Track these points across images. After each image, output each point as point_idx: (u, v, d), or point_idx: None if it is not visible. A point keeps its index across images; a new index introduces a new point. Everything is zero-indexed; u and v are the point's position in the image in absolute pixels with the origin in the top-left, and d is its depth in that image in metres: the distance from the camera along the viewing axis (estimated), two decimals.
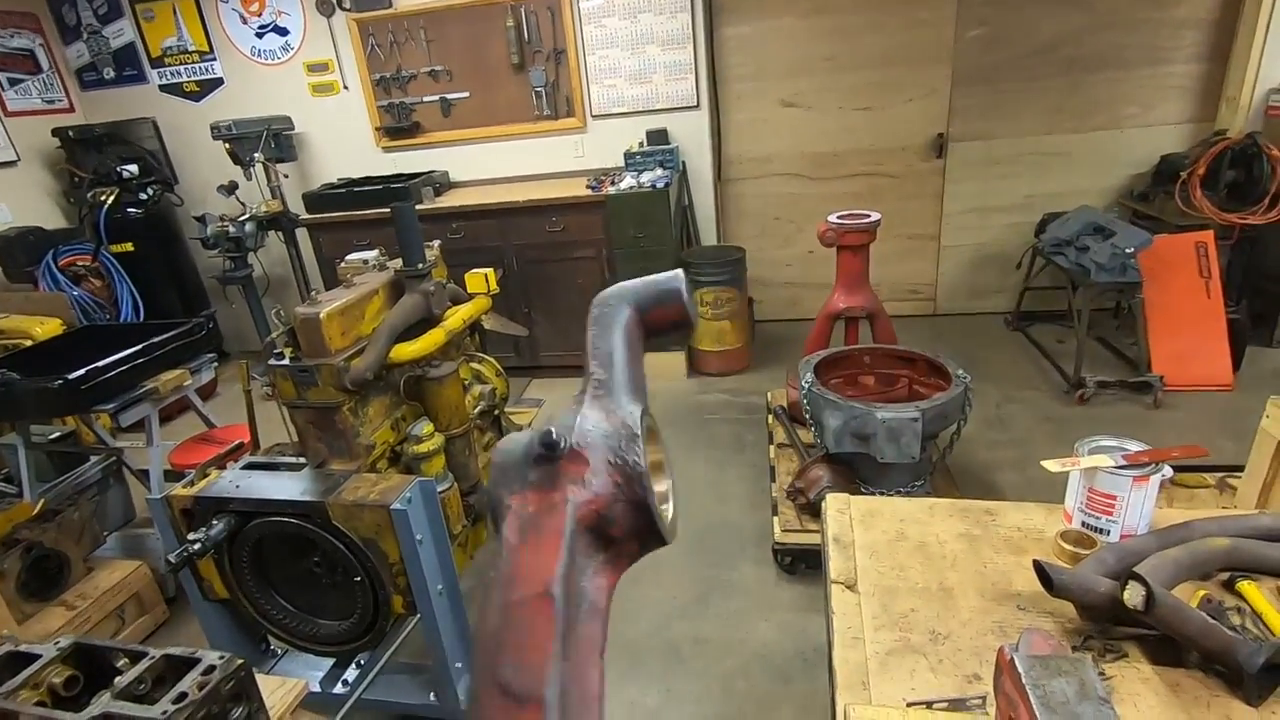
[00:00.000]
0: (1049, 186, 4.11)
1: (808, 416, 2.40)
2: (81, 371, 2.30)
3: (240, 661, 1.09)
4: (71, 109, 4.66)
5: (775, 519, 2.49)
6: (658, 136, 4.12)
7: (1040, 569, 0.94)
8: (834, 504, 1.25)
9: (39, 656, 1.12)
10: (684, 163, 4.23)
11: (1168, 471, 1.09)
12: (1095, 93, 3.92)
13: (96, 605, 2.34)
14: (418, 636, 2.09)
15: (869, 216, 2.75)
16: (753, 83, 4.24)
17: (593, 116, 4.24)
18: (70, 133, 4.34)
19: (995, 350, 4.02)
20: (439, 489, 1.89)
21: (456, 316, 2.14)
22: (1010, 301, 4.26)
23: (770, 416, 3.19)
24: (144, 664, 1.10)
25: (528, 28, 4.08)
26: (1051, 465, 1.13)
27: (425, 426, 1.98)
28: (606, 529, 0.27)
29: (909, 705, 0.84)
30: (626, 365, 0.30)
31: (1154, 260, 3.19)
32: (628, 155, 4.07)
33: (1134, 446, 1.13)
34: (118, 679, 1.07)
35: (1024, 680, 0.61)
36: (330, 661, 2.07)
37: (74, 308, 3.89)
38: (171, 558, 1.71)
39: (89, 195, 4.24)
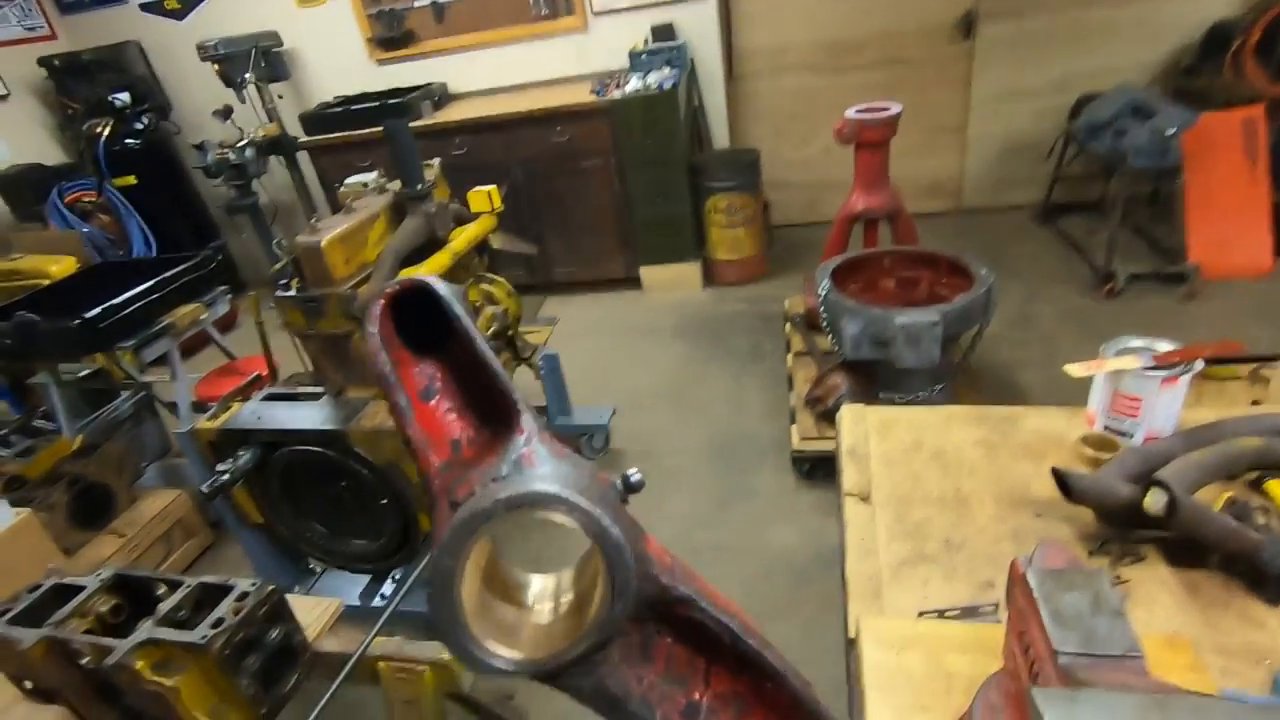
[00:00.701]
0: (1086, 65, 3.81)
1: (825, 324, 2.35)
2: (98, 310, 2.32)
3: (272, 588, 1.14)
4: (53, 35, 4.48)
5: (793, 427, 2.50)
6: (664, 32, 3.87)
7: (1059, 476, 0.92)
8: (849, 415, 1.23)
9: (84, 588, 1.18)
10: (692, 60, 3.98)
11: (1198, 365, 1.04)
12: None
13: (144, 532, 2.46)
14: None
15: (889, 109, 2.59)
16: None
17: (594, 14, 3.98)
18: (56, 61, 4.19)
19: (1022, 245, 3.88)
20: None
21: (462, 238, 2.09)
22: (1040, 193, 4.06)
23: (788, 325, 3.15)
24: (181, 592, 1.15)
25: None
26: (1074, 369, 1.08)
27: None
28: None
29: (920, 614, 0.85)
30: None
31: (1197, 142, 2.98)
32: (633, 55, 3.83)
33: (1163, 346, 1.08)
34: (159, 606, 1.12)
35: (1036, 594, 0.60)
36: (368, 578, 2.17)
37: (87, 245, 3.90)
38: (204, 488, 1.77)
39: (84, 127, 4.15)
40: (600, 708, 0.24)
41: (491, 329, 2.35)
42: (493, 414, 0.30)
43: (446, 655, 1.28)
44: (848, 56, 4.07)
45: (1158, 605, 0.83)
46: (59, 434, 2.74)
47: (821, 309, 2.32)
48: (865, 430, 1.19)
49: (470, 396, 0.30)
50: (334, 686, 1.22)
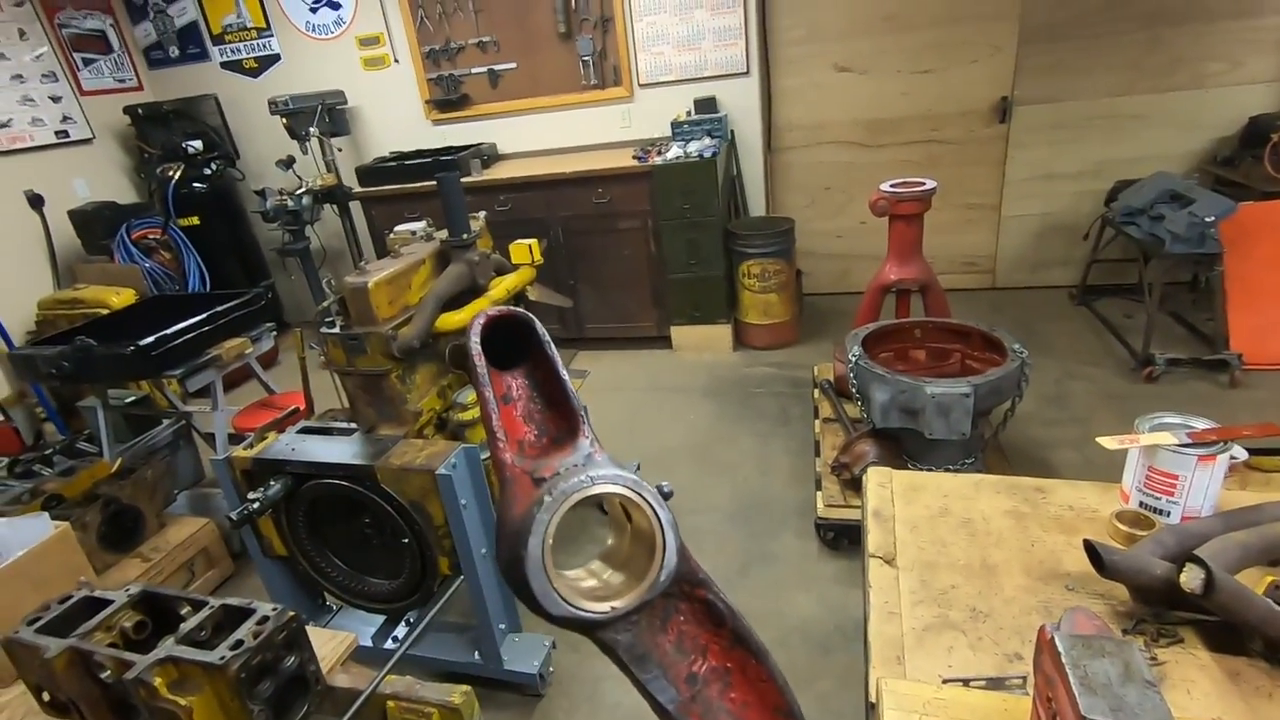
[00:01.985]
0: (1122, 152, 3.87)
1: (854, 390, 2.35)
2: (151, 339, 2.42)
3: (291, 614, 1.14)
4: (140, 87, 4.85)
5: (819, 494, 2.46)
6: (706, 105, 4.04)
7: (1091, 548, 0.90)
8: (875, 477, 1.22)
9: (111, 602, 1.20)
10: (732, 131, 4.14)
11: (1240, 453, 1.02)
12: (1176, 48, 3.65)
13: (169, 558, 2.49)
14: (463, 598, 2.16)
15: (924, 184, 2.64)
16: (805, 46, 4.10)
17: (640, 85, 4.18)
18: (140, 110, 4.52)
19: (1057, 325, 3.85)
20: (483, 455, 1.92)
21: (500, 286, 2.16)
22: (1075, 275, 4.06)
23: (816, 390, 3.14)
24: (204, 612, 1.16)
25: None
26: (1108, 442, 1.07)
27: (469, 395, 2.01)
28: None
29: (944, 682, 0.82)
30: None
31: (1236, 230, 2.98)
32: (675, 124, 4.00)
33: (1200, 424, 1.06)
34: (181, 625, 1.14)
35: (1064, 659, 0.59)
36: (382, 619, 2.16)
37: (146, 279, 4.09)
38: (233, 515, 1.80)
39: (158, 171, 4.43)
40: (629, 662, 0.27)
41: None
42: (549, 425, 0.35)
43: (457, 698, 1.26)
44: (885, 134, 4.18)
45: (1196, 689, 0.80)
46: (100, 456, 2.83)
47: (851, 376, 2.32)
48: (891, 493, 1.18)
49: (535, 408, 0.36)
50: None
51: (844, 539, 2.40)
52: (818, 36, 4.06)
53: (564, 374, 0.35)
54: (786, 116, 4.29)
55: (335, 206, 4.46)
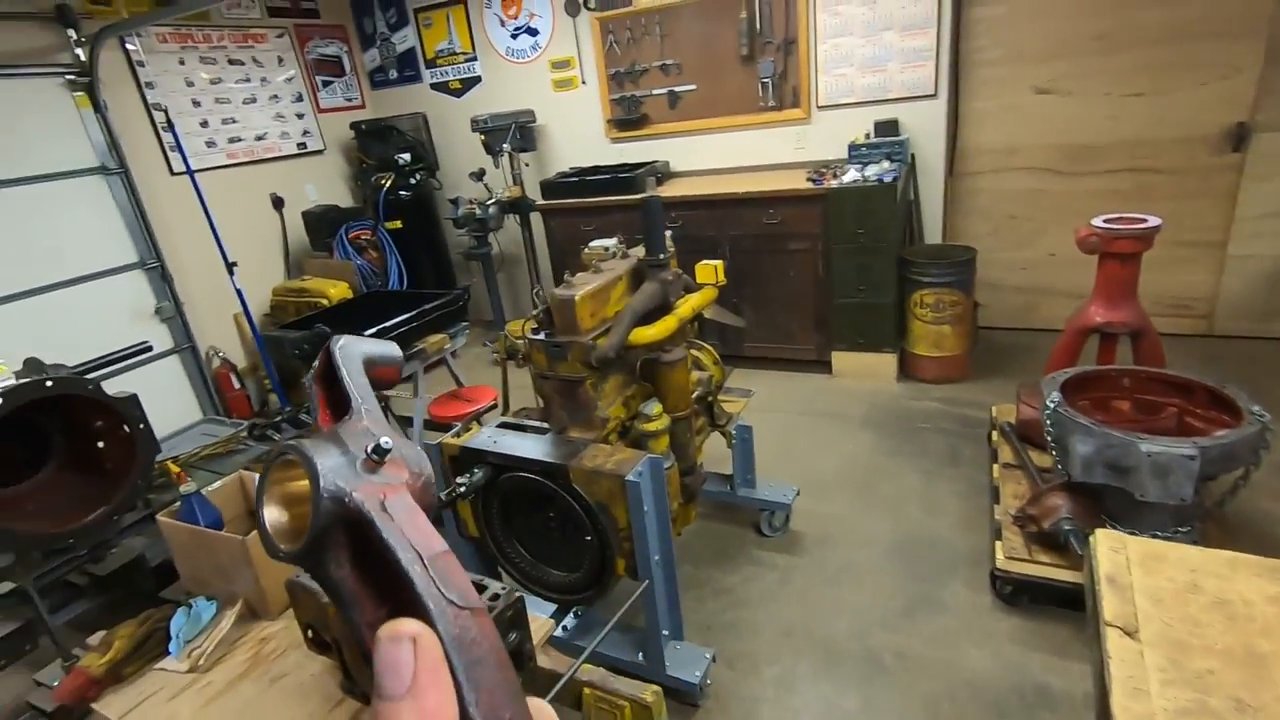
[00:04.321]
0: None
1: (1049, 438, 2.20)
2: (374, 330, 2.76)
3: (519, 594, 1.27)
4: (364, 105, 5.52)
5: (998, 544, 2.32)
6: (887, 128, 3.94)
7: None
8: (1106, 540, 1.15)
9: None
10: (913, 155, 4.00)
11: None
12: None
13: None
14: (621, 599, 2.26)
15: (1146, 221, 2.42)
16: (1001, 68, 3.89)
17: (818, 107, 4.16)
18: (362, 125, 5.14)
19: None
20: (665, 465, 2.01)
21: (687, 305, 2.25)
22: None
23: (994, 432, 2.96)
24: None
25: (760, 18, 4.09)
26: None
27: (655, 407, 2.11)
28: None
29: None
30: (376, 403, 0.35)
31: None
32: (852, 147, 3.94)
33: None
34: None
35: None
36: (552, 607, 2.30)
37: (357, 274, 4.64)
38: (442, 495, 2.01)
39: (372, 179, 5.01)
40: (330, 595, 0.30)
41: (695, 393, 2.47)
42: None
43: (649, 696, 1.33)
44: (1087, 162, 3.87)
45: None
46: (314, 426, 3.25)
47: (1048, 423, 2.17)
48: (1126, 560, 1.11)
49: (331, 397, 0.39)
50: (548, 699, 1.32)
51: (1024, 596, 2.25)
52: (1016, 57, 3.83)
53: (346, 379, 0.38)
54: (974, 140, 4.08)
55: (518, 216, 4.82)
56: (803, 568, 2.62)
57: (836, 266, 3.78)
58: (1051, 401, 2.16)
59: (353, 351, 0.39)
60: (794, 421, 3.66)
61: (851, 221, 3.65)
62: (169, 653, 1.50)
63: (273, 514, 0.33)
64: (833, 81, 4.07)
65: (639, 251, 2.34)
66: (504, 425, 2.20)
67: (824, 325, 3.99)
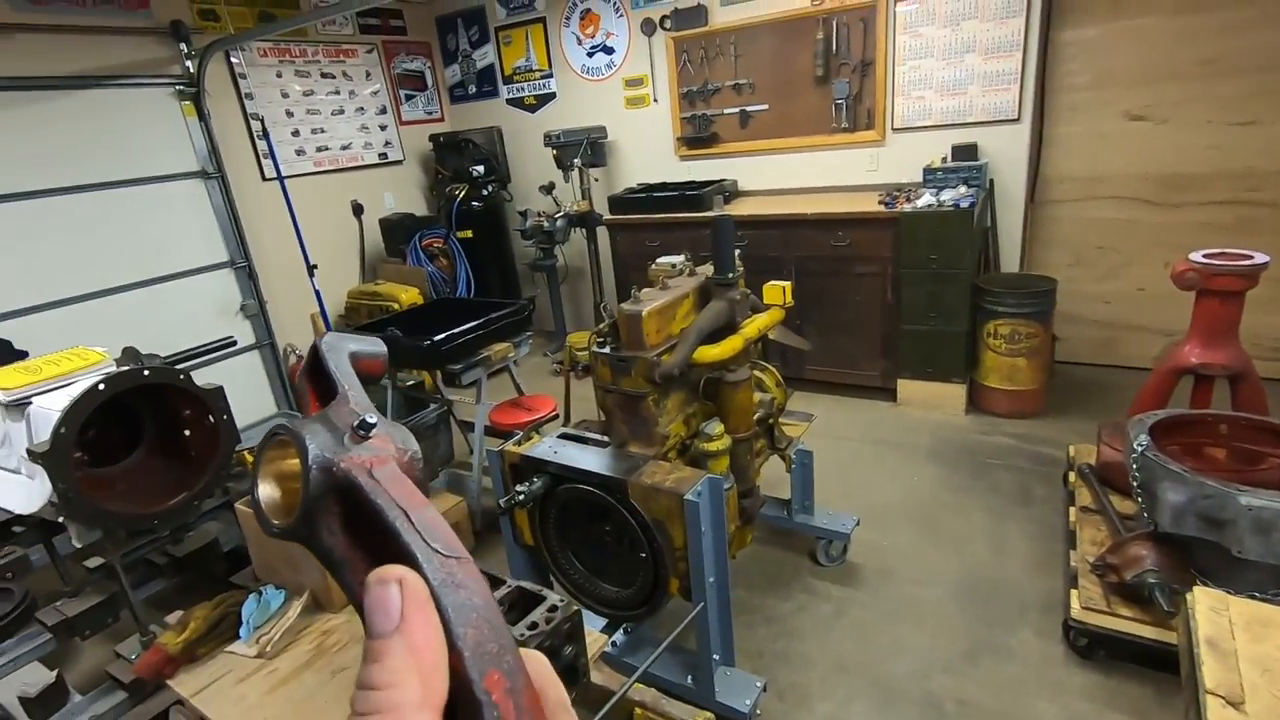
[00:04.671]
0: None
1: (1134, 484, 2.07)
2: (443, 336, 2.83)
3: (576, 608, 1.27)
4: (442, 119, 5.72)
5: (1074, 592, 2.19)
6: (965, 152, 3.83)
7: None
8: (1205, 600, 1.07)
9: None
10: (991, 180, 3.88)
11: None
12: None
13: None
14: (669, 618, 2.23)
15: (1251, 257, 2.27)
16: (1091, 93, 3.73)
17: (893, 129, 4.08)
18: (440, 138, 5.33)
19: None
20: (725, 487, 1.98)
21: (754, 325, 2.22)
22: None
23: (1072, 473, 2.81)
24: (504, 589, 1.33)
25: (837, 40, 4.05)
26: None
27: (717, 427, 2.09)
28: None
29: None
30: (362, 389, 0.36)
31: None
32: (928, 171, 3.84)
33: None
34: None
35: None
36: (602, 622, 2.30)
37: (428, 280, 4.79)
38: (502, 502, 2.04)
39: (447, 190, 5.18)
40: (324, 562, 0.29)
41: (757, 414, 2.43)
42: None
43: (700, 718, 1.31)
44: (1184, 192, 3.66)
45: None
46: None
47: (1134, 467, 2.05)
48: (1229, 623, 1.03)
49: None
50: (600, 715, 1.31)
51: (1101, 649, 2.11)
52: (1109, 82, 3.67)
53: (327, 361, 0.39)
54: (1058, 167, 3.92)
55: (584, 230, 4.89)
56: (860, 601, 2.54)
57: (906, 292, 3.69)
58: (1139, 444, 2.03)
59: (339, 346, 0.41)
60: (856, 449, 3.57)
61: (924, 246, 3.55)
62: (239, 637, 1.56)
63: (266, 491, 0.34)
64: (910, 104, 3.99)
65: (706, 269, 2.33)
66: (565, 436, 2.22)
67: (890, 351, 3.88)
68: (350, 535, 0.31)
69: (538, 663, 0.27)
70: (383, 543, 0.28)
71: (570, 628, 1.26)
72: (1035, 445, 3.41)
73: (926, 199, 3.60)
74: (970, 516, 2.94)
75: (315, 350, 0.40)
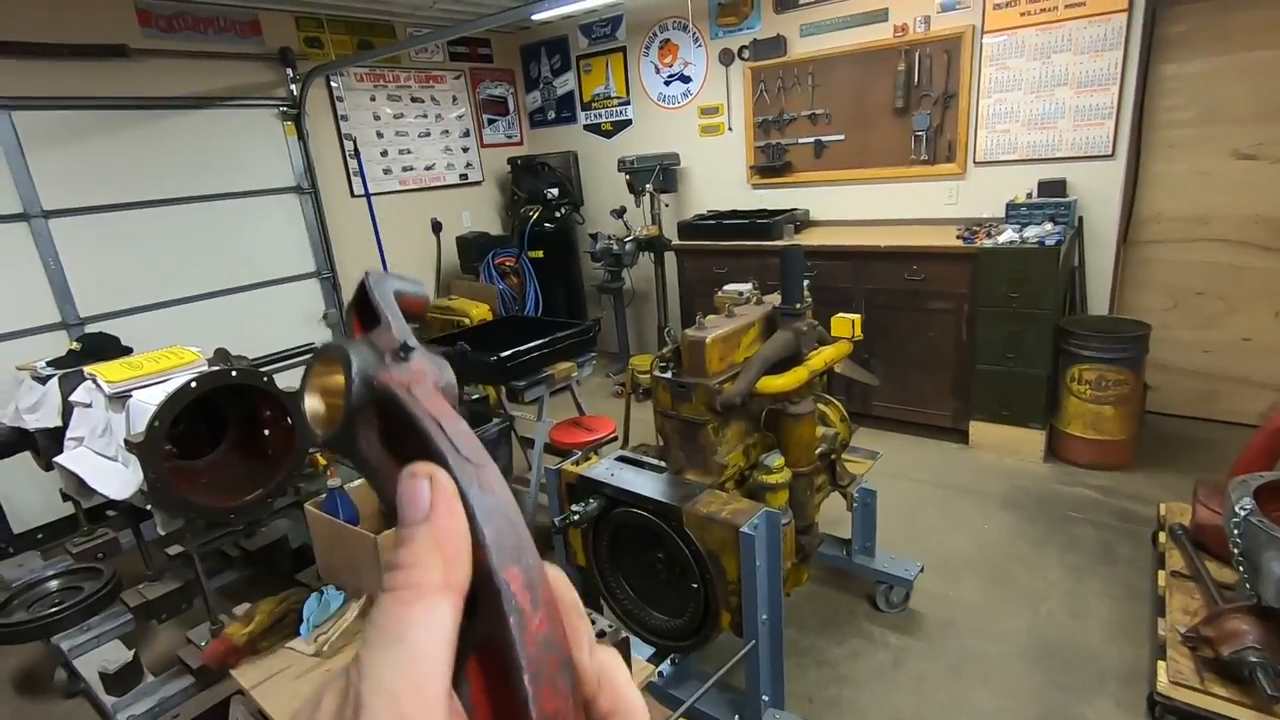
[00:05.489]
0: None
1: (1235, 551, 1.90)
2: (510, 352, 2.89)
3: (625, 634, 1.26)
4: (521, 142, 5.91)
5: (1161, 664, 2.02)
6: (1052, 188, 3.67)
7: None
8: None
9: None
10: (1081, 218, 3.70)
11: None
12: None
13: None
14: (718, 653, 2.17)
15: None
16: (1194, 129, 3.53)
17: (975, 163, 3.96)
18: (519, 161, 5.50)
19: None
20: (782, 522, 1.94)
21: (820, 358, 2.18)
22: None
23: (1162, 534, 2.61)
24: None
25: (919, 71, 3.98)
26: None
27: (777, 459, 2.05)
28: None
29: None
30: (404, 320, 0.36)
31: None
32: (1010, 206, 3.70)
33: None
34: None
35: None
36: (650, 651, 2.26)
37: (499, 298, 4.92)
38: (557, 521, 2.05)
39: (521, 210, 5.33)
40: (361, 469, 0.31)
41: (819, 449, 2.37)
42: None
43: None
44: None
45: None
46: None
47: (1234, 532, 1.88)
48: None
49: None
50: None
51: None
52: (1214, 118, 3.47)
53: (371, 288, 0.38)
54: (1155, 206, 3.71)
55: (653, 255, 4.93)
56: (920, 652, 2.41)
57: (982, 331, 3.54)
58: (1242, 509, 1.87)
59: (384, 280, 0.43)
60: (923, 491, 3.43)
61: (1004, 284, 3.41)
62: (299, 634, 1.61)
63: (312, 404, 0.36)
64: (994, 137, 3.87)
65: (773, 298, 2.31)
66: (622, 459, 2.22)
67: (963, 392, 3.73)
68: (387, 447, 0.33)
69: (555, 571, 0.29)
70: (415, 452, 0.30)
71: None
72: (1121, 500, 3.19)
73: (1009, 235, 3.47)
74: (1046, 572, 2.77)
75: (362, 285, 0.43)
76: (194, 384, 2.02)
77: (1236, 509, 1.88)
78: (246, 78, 4.12)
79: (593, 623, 1.26)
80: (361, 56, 4.46)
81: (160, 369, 2.34)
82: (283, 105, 4.21)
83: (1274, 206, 3.42)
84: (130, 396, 2.22)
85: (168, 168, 3.85)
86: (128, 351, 2.99)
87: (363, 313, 0.43)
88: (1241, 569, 1.89)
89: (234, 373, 2.14)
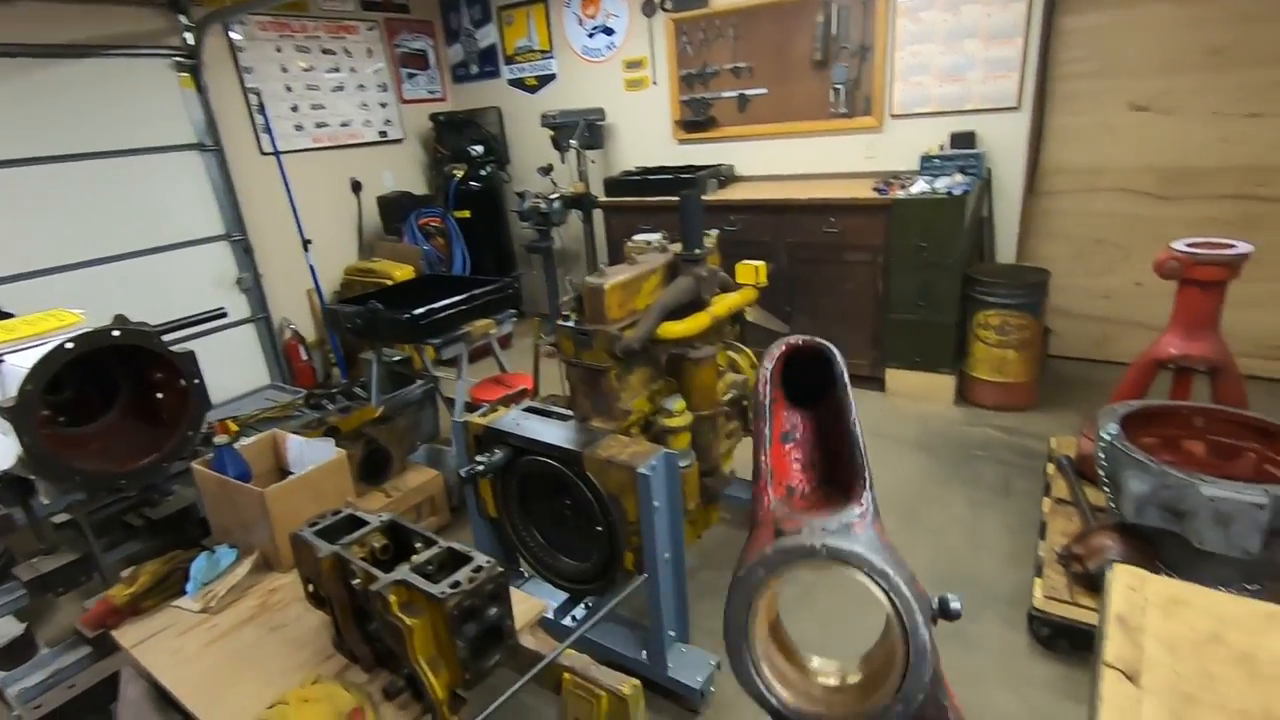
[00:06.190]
0: None
1: (1101, 474, 2.04)
2: (422, 310, 2.84)
3: (501, 570, 1.28)
4: (444, 98, 5.71)
5: (1037, 581, 2.17)
6: (963, 140, 3.77)
7: None
8: (1124, 577, 1.05)
9: (368, 523, 1.43)
10: (989, 170, 3.81)
11: None
12: None
13: (404, 499, 2.89)
14: (639, 597, 2.23)
15: (1233, 247, 2.21)
16: (1093, 81, 3.65)
17: (891, 116, 4.03)
18: (441, 117, 5.32)
19: None
20: (681, 464, 1.98)
21: (722, 304, 2.21)
22: None
23: (1051, 466, 2.77)
24: (434, 549, 1.33)
25: (837, 23, 4.00)
26: None
27: (678, 403, 2.08)
28: None
29: None
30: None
31: None
32: (924, 159, 3.79)
33: None
34: (414, 556, 1.32)
35: None
36: (565, 596, 2.30)
37: (424, 259, 4.80)
38: (462, 472, 2.05)
39: (445, 169, 5.18)
40: None
41: (729, 395, 2.42)
42: (832, 478, 0.33)
43: (627, 689, 1.31)
44: (1187, 185, 3.58)
45: None
46: (368, 401, 3.37)
47: (1100, 456, 2.02)
48: (1144, 600, 1.01)
49: (819, 456, 0.34)
50: (524, 679, 1.31)
51: (1062, 640, 2.09)
52: (1113, 71, 3.59)
53: (856, 426, 0.32)
54: (1057, 158, 3.85)
55: (580, 212, 4.87)
56: (827, 586, 2.52)
57: (896, 281, 3.64)
58: (1107, 434, 2.00)
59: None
60: None
61: (915, 235, 3.50)
62: (185, 592, 1.58)
63: (778, 659, 0.31)
64: (908, 90, 3.93)
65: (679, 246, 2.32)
66: (530, 409, 2.22)
67: (879, 341, 3.85)
68: None
69: None
70: None
71: (494, 588, 1.26)
72: (1021, 438, 3.37)
73: (920, 186, 3.55)
74: (950, 509, 2.91)
75: (825, 363, 0.38)
76: (70, 345, 1.92)
77: (1103, 434, 2.01)
78: (134, 25, 3.84)
79: (468, 559, 1.27)
80: (262, 3, 4.20)
81: (37, 332, 2.20)
82: (177, 55, 3.95)
83: (1165, 157, 3.59)
84: (2, 361, 2.10)
85: (51, 122, 3.58)
86: (6, 317, 2.81)
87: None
88: (1108, 490, 2.03)
89: (115, 333, 2.04)
